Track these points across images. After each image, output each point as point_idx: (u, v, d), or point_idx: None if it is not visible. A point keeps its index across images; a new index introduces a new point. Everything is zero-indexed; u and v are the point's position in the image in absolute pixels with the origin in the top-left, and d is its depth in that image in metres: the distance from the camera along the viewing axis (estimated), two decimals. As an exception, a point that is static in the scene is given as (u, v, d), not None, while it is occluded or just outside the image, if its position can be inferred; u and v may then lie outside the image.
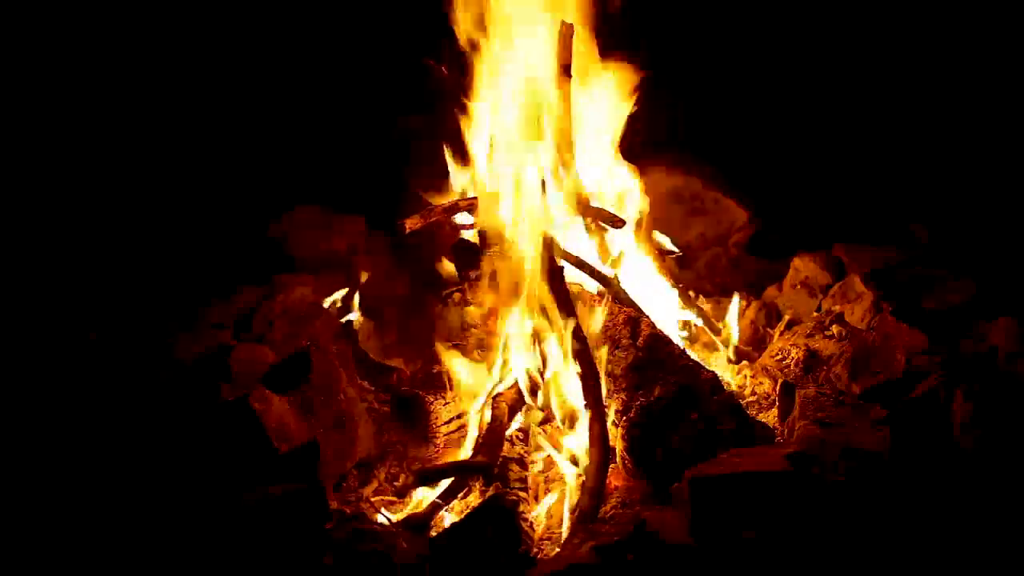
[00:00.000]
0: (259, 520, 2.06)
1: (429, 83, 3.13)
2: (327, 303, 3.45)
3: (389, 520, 2.33)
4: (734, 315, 3.22)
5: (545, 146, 2.95)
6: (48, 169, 3.86)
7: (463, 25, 2.93)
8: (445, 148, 3.16)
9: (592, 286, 2.93)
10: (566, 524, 2.34)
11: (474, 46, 2.96)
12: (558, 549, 2.22)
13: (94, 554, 2.11)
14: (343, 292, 3.52)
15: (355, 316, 3.45)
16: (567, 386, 2.59)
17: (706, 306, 3.34)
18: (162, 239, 3.77)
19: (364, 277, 3.59)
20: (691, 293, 3.30)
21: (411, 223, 2.98)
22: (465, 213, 3.13)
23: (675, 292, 3.19)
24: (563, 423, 2.60)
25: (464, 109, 3.06)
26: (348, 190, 4.01)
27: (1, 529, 2.18)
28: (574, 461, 2.50)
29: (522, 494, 2.44)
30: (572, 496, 2.40)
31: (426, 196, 3.23)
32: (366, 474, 2.67)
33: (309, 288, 3.65)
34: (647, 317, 2.73)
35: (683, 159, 3.75)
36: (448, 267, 3.24)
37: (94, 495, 2.32)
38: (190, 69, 4.06)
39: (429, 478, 2.45)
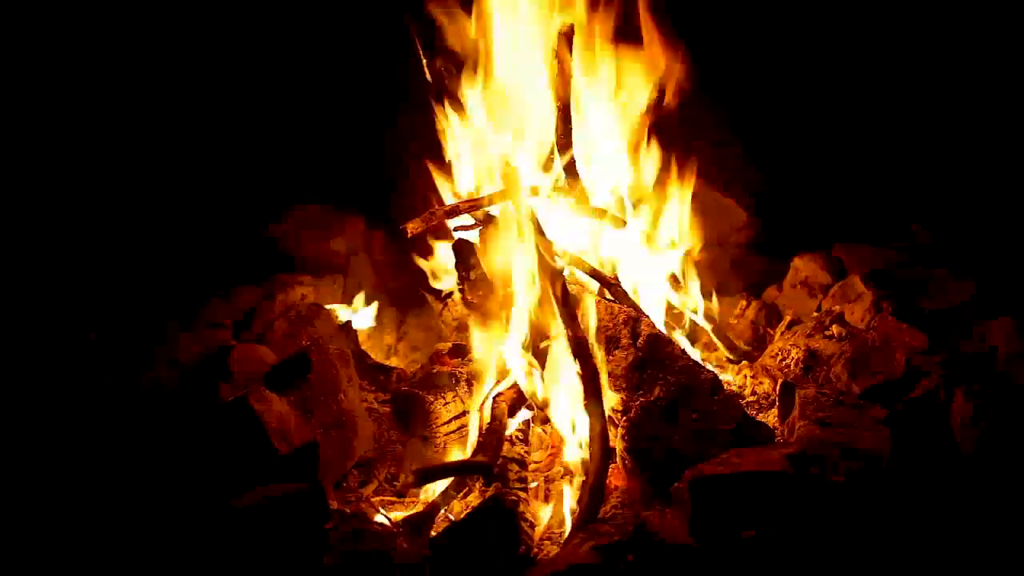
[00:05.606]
0: (259, 521, 2.06)
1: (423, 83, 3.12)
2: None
3: (389, 520, 2.33)
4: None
5: (545, 147, 2.95)
6: (49, 170, 3.86)
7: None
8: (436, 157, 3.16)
9: (593, 286, 2.93)
10: (566, 524, 2.34)
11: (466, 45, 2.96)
12: (558, 549, 2.22)
13: (94, 554, 2.12)
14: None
15: (358, 317, 3.45)
16: (567, 386, 2.59)
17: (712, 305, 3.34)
18: (162, 239, 3.77)
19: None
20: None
21: (413, 227, 2.97)
22: (465, 214, 3.13)
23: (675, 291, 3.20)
24: (562, 423, 2.60)
25: (458, 109, 3.05)
26: (348, 190, 4.01)
27: (1, 529, 2.18)
28: (574, 461, 2.50)
29: (522, 494, 2.43)
30: (572, 496, 2.41)
31: (426, 197, 3.23)
32: (366, 474, 2.67)
33: (309, 288, 3.66)
34: (647, 317, 2.73)
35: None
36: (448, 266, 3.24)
37: (94, 495, 2.32)
38: (192, 69, 4.06)
39: (429, 478, 2.45)
